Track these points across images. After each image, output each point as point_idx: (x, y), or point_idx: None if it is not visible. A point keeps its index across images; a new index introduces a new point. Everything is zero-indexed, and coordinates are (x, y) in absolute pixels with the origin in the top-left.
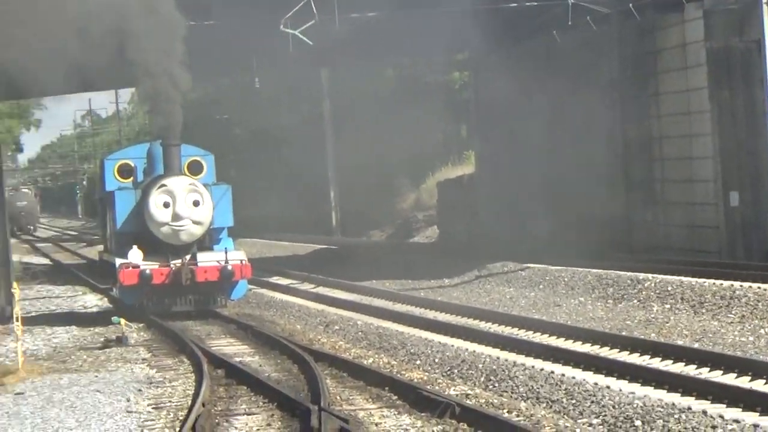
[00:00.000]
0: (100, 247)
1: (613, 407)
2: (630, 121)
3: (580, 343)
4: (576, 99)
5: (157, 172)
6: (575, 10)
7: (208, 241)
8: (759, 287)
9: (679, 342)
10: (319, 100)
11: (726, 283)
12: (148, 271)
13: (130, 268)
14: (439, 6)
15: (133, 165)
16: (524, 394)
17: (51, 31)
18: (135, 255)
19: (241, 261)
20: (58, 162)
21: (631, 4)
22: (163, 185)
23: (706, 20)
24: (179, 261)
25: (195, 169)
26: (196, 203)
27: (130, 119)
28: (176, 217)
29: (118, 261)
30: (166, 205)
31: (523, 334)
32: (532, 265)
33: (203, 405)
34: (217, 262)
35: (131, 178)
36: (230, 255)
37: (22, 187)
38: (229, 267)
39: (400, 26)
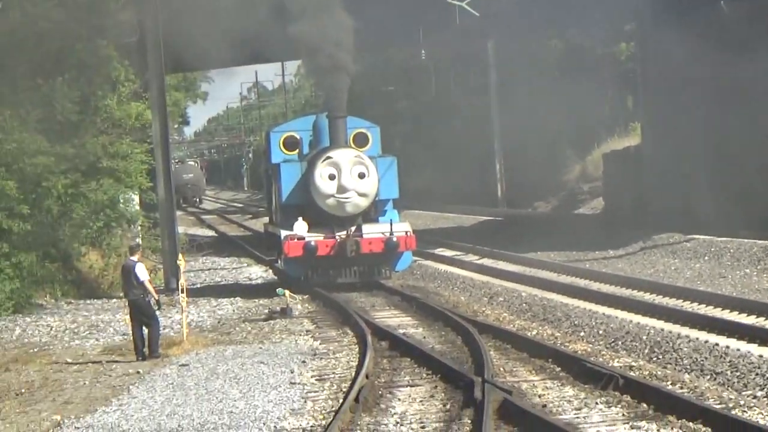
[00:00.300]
0: (266, 220)
1: None
2: None
3: (746, 315)
4: (743, 69)
5: (323, 145)
6: None
7: (373, 212)
8: None
9: None
10: (485, 71)
11: None
12: (313, 243)
13: (296, 240)
14: None
15: (298, 137)
16: (688, 367)
17: (217, 5)
18: (300, 227)
19: (406, 233)
20: (224, 135)
21: None
22: (329, 157)
23: None
24: (344, 233)
25: (360, 141)
26: (361, 175)
27: (296, 92)
28: (341, 189)
29: (284, 233)
30: (331, 177)
31: (687, 306)
32: (697, 236)
33: (367, 377)
34: (382, 233)
35: (297, 151)
36: (395, 227)
37: (189, 160)
38: (394, 239)
39: None
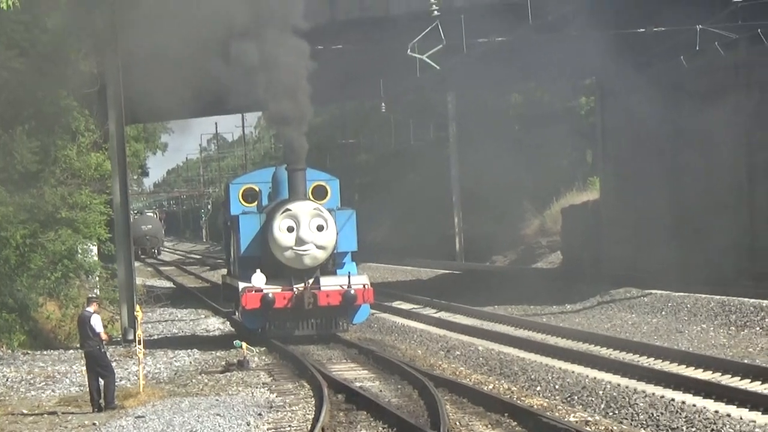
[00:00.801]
0: (224, 271)
1: None
2: (755, 147)
3: (702, 370)
4: (702, 124)
5: (282, 197)
6: (703, 35)
7: (331, 265)
8: None
9: None
10: (444, 124)
11: None
12: (270, 295)
13: (253, 292)
14: (566, 32)
15: (258, 189)
16: (644, 422)
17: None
18: (258, 279)
19: (364, 285)
20: (183, 186)
21: (759, 30)
22: (288, 210)
23: None
24: (302, 285)
25: (320, 193)
26: (320, 228)
27: (256, 143)
28: (300, 241)
29: (242, 285)
30: (290, 229)
31: (644, 360)
32: (654, 291)
33: (323, 430)
34: (340, 286)
35: (256, 203)
36: (353, 279)
37: (148, 211)
38: (352, 291)
39: (527, 51)
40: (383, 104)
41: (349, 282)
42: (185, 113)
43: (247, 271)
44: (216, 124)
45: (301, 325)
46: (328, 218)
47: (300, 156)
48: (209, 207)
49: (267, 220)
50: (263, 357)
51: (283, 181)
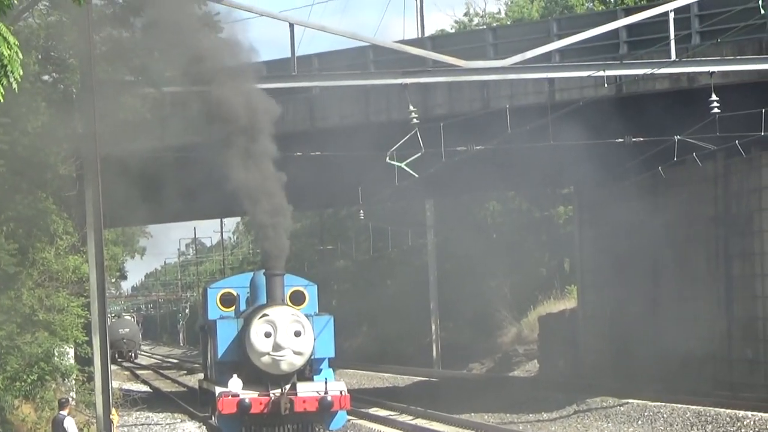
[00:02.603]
0: (201, 376)
1: None
2: (733, 258)
3: None
4: (679, 234)
5: (260, 302)
6: (681, 146)
7: (308, 371)
8: None
9: None
10: (423, 231)
11: None
12: (247, 401)
13: (230, 397)
14: (546, 141)
15: (235, 294)
16: None
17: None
18: (235, 384)
19: (341, 392)
20: (161, 290)
21: (737, 141)
22: (265, 315)
23: None
24: (278, 391)
25: (297, 299)
26: (297, 334)
27: (234, 248)
28: (277, 347)
29: (218, 389)
30: (267, 335)
31: None
32: (631, 401)
33: None
34: (317, 392)
35: (233, 307)
36: (330, 386)
37: (125, 315)
38: (329, 398)
39: (505, 160)
40: (362, 211)
41: (326, 388)
42: (164, 218)
43: (224, 376)
44: (194, 228)
45: (277, 431)
46: (305, 324)
47: (278, 261)
48: (187, 311)
49: (244, 325)
50: None
51: (261, 286)
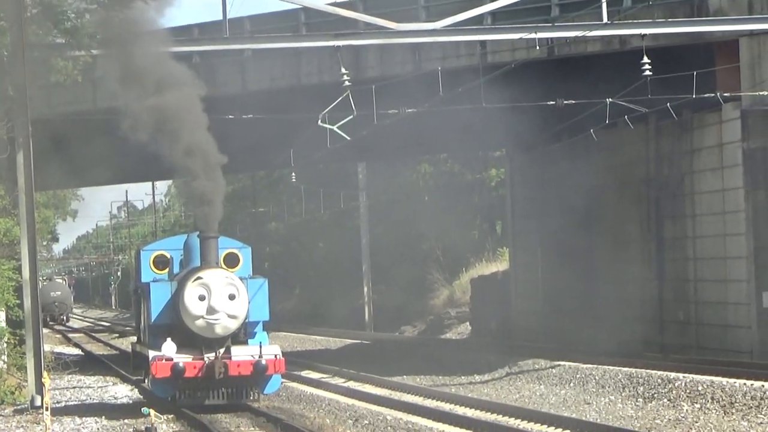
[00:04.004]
0: (134, 339)
1: None
2: (664, 220)
3: None
4: (610, 196)
5: (194, 264)
6: (613, 108)
7: (242, 334)
8: None
9: None
10: (355, 193)
11: (757, 384)
12: (181, 364)
13: (164, 361)
14: (478, 103)
15: (169, 256)
16: None
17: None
18: (169, 347)
19: (276, 356)
20: (93, 253)
21: (668, 104)
22: (199, 278)
23: (744, 121)
24: (213, 354)
25: (231, 261)
26: (231, 297)
27: (166, 211)
28: (211, 310)
29: (152, 353)
30: (201, 298)
31: (552, 431)
32: (563, 363)
33: None
34: (251, 356)
35: (167, 270)
36: (265, 349)
37: (57, 278)
38: (263, 362)
39: (438, 123)
40: (294, 174)
41: (260, 352)
42: (95, 180)
43: (158, 340)
44: (126, 191)
45: (211, 395)
46: (239, 287)
47: (212, 224)
48: (119, 274)
49: (178, 288)
50: (171, 424)
51: (195, 248)
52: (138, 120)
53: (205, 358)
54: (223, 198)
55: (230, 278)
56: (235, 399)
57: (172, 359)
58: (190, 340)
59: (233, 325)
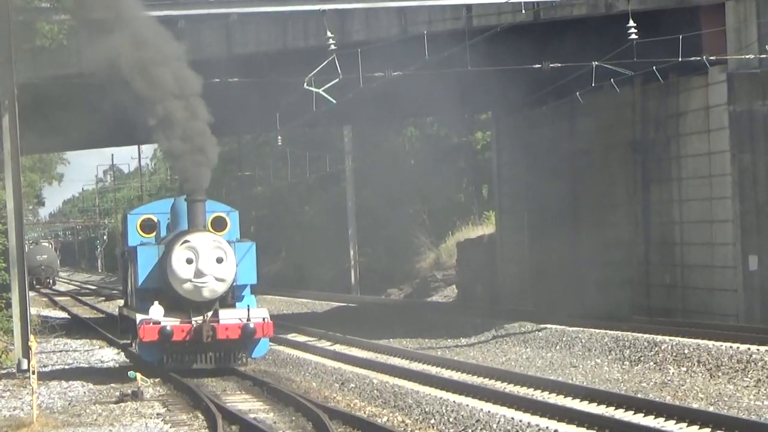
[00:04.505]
0: (121, 302)
1: None
2: (650, 184)
3: (596, 404)
4: (597, 160)
5: (181, 228)
6: (599, 71)
7: (230, 298)
8: None
9: (695, 405)
10: (341, 157)
11: (743, 347)
12: (168, 328)
13: (151, 325)
14: (463, 67)
15: (156, 220)
16: None
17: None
18: (156, 311)
19: (264, 319)
20: (79, 217)
21: (654, 67)
22: (186, 241)
23: (730, 84)
24: (201, 318)
25: (219, 225)
26: (219, 260)
27: (152, 175)
28: (199, 273)
29: (139, 317)
30: (188, 261)
31: (538, 395)
32: (549, 326)
33: None
34: (239, 319)
35: (154, 234)
36: (252, 313)
37: (43, 241)
38: (251, 325)
39: (424, 86)
40: (279, 137)
41: (248, 315)
42: (81, 144)
43: (145, 303)
44: (112, 155)
45: (199, 359)
46: (227, 250)
47: (200, 187)
48: (105, 238)
49: (165, 252)
50: (158, 387)
51: (182, 212)
52: (126, 80)
53: (193, 322)
54: (212, 162)
55: (218, 241)
56: (223, 363)
57: (159, 323)
58: (177, 304)
59: (221, 288)
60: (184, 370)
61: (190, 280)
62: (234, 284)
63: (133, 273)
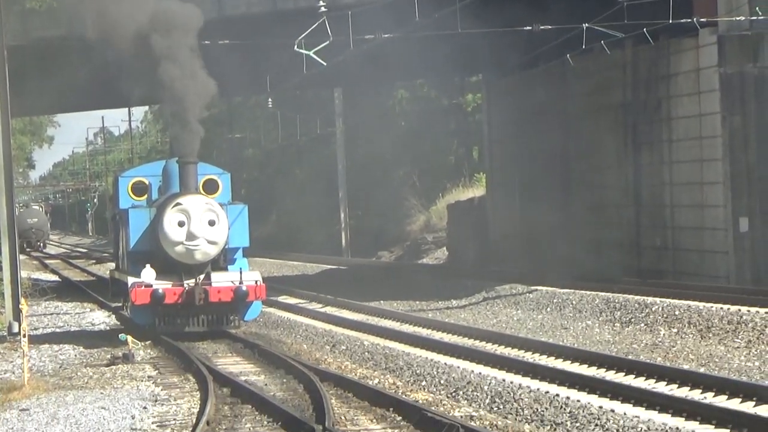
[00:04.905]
0: (112, 265)
1: (618, 431)
2: (641, 145)
3: (586, 366)
4: (588, 122)
5: (173, 191)
6: (589, 34)
7: (222, 261)
8: (766, 312)
9: (685, 366)
10: (331, 119)
11: (733, 308)
12: (160, 291)
13: (143, 288)
14: (454, 29)
15: (147, 183)
16: (528, 417)
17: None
18: (148, 274)
19: (256, 282)
20: (69, 179)
21: (645, 29)
22: (178, 204)
23: (720, 46)
24: (193, 281)
25: (211, 187)
26: (211, 223)
27: (143, 138)
28: (191, 236)
29: (131, 280)
30: (180, 224)
31: (529, 356)
32: (540, 288)
33: (207, 423)
34: (231, 282)
35: (145, 196)
36: (245, 275)
37: (33, 204)
38: (244, 288)
39: (414, 48)
40: (270, 100)
41: (240, 278)
42: (71, 107)
43: (137, 266)
44: (102, 117)
45: (191, 322)
46: (219, 213)
47: (192, 149)
48: (95, 200)
49: (157, 214)
50: (148, 350)
51: (174, 174)
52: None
53: (185, 285)
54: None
55: (210, 204)
56: (215, 326)
57: (151, 286)
58: (169, 267)
59: (213, 251)
60: (177, 333)
61: (182, 243)
62: (226, 247)
63: (124, 236)
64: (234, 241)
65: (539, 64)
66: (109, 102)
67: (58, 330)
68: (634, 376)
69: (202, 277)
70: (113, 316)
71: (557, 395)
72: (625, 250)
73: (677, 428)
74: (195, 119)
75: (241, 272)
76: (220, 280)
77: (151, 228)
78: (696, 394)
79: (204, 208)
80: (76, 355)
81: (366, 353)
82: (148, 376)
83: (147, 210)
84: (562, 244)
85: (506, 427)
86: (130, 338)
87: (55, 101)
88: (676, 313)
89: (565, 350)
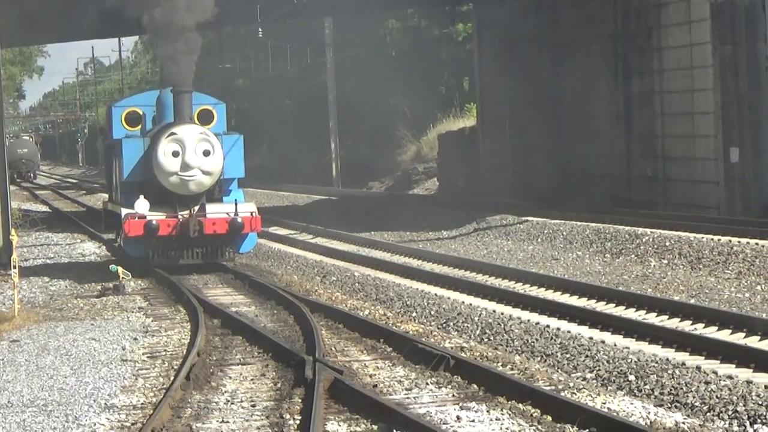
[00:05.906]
0: (105, 196)
1: (608, 362)
2: (632, 75)
3: (577, 297)
4: (579, 52)
5: (167, 121)
6: None
7: (217, 192)
8: (757, 243)
9: (675, 297)
10: (321, 49)
11: (724, 239)
12: (154, 222)
13: (137, 219)
14: None
15: (141, 113)
16: (519, 348)
17: None
18: (142, 205)
19: (252, 213)
20: (59, 110)
21: None
22: (173, 134)
23: None
24: (187, 212)
25: (205, 118)
26: (206, 153)
27: (133, 68)
28: (185, 166)
29: (124, 211)
30: (175, 154)
31: (519, 287)
32: (530, 219)
33: (198, 354)
34: (227, 214)
35: (139, 126)
36: (240, 207)
37: (23, 135)
38: (239, 219)
39: None
40: (260, 29)
41: (236, 210)
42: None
43: (130, 197)
44: (92, 48)
45: (185, 254)
46: (214, 143)
47: (186, 78)
48: (86, 131)
49: (151, 145)
50: (139, 281)
51: (168, 104)
52: None
53: (180, 216)
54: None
55: (205, 134)
56: (209, 258)
57: (145, 217)
58: (163, 198)
59: (208, 181)
60: (172, 267)
61: (177, 174)
62: (221, 178)
63: (117, 166)
64: (229, 171)
65: None
66: (100, 32)
67: (48, 261)
68: (624, 307)
69: (196, 208)
70: (104, 247)
71: (548, 326)
72: (616, 180)
73: (667, 359)
74: (188, 48)
75: (236, 203)
76: (215, 211)
77: (145, 158)
78: (686, 326)
79: (199, 138)
80: (66, 286)
81: (356, 284)
82: (139, 308)
83: (141, 140)
84: (553, 175)
85: (496, 358)
86: (120, 269)
87: (45, 31)
88: (667, 244)
89: (556, 281)
